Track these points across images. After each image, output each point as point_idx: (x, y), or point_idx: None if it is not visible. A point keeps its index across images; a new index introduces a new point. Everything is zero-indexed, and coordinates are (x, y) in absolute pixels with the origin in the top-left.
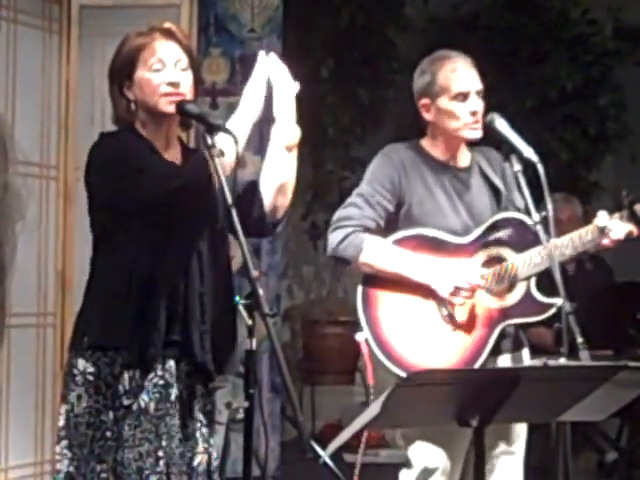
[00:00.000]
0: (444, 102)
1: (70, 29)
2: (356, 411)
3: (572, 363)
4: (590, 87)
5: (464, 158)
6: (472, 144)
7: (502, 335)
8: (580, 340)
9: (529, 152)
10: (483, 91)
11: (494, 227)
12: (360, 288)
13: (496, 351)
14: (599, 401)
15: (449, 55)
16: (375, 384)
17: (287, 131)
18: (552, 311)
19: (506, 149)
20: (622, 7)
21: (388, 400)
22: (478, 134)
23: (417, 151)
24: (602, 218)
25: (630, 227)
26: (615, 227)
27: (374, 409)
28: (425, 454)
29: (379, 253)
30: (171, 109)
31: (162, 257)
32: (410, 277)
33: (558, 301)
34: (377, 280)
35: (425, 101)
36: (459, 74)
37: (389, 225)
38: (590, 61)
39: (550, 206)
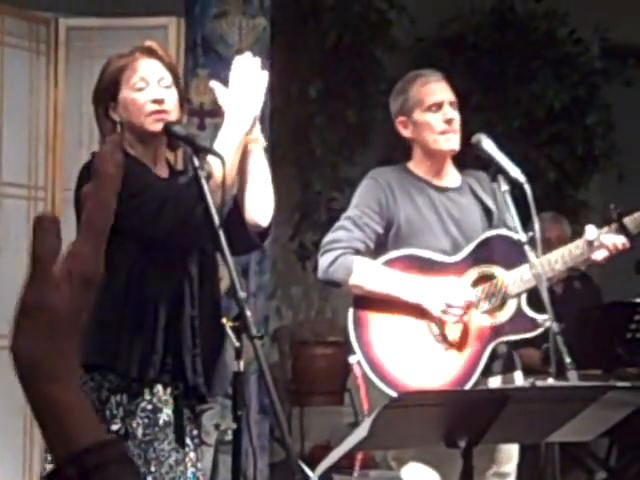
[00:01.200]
0: (418, 115)
1: (57, 50)
2: (345, 432)
3: (560, 383)
4: (577, 106)
5: (454, 179)
6: (462, 167)
7: (494, 356)
8: (568, 360)
9: (516, 172)
10: (457, 103)
11: (484, 245)
12: (351, 310)
13: (487, 372)
14: (588, 421)
15: (420, 72)
16: (369, 407)
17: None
18: (544, 327)
19: (493, 169)
20: (609, 26)
21: (376, 422)
22: (454, 145)
23: (404, 173)
24: (591, 232)
25: (621, 239)
26: (606, 240)
27: (362, 431)
28: (418, 474)
29: (369, 274)
30: (158, 127)
31: (155, 278)
32: (401, 297)
33: (550, 317)
34: (368, 302)
35: (402, 118)
36: (431, 87)
37: (379, 247)
38: (577, 80)
39: (537, 226)
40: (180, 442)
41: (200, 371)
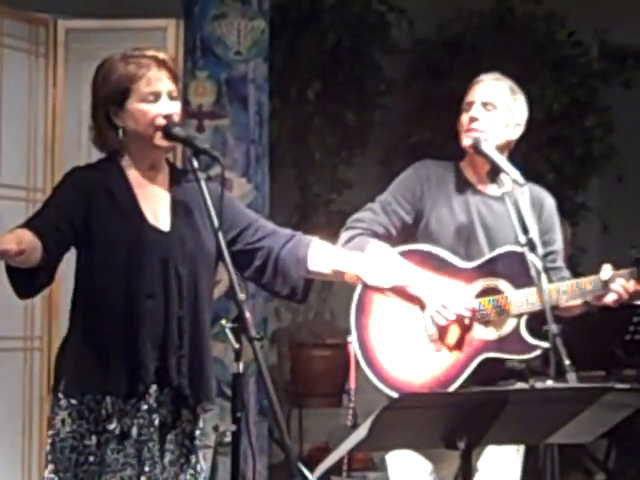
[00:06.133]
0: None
1: (56, 52)
2: (344, 433)
3: (559, 385)
4: (576, 108)
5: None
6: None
7: (510, 372)
8: (567, 362)
9: (515, 174)
10: (497, 105)
11: (499, 258)
12: (358, 289)
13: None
14: (587, 423)
15: (480, 75)
16: (355, 389)
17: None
18: (536, 353)
19: (492, 171)
20: (608, 28)
21: (375, 423)
22: (466, 142)
23: (450, 170)
24: (606, 272)
25: (635, 287)
26: (618, 287)
27: (361, 432)
28: (404, 459)
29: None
30: (165, 143)
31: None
32: (405, 286)
33: (544, 344)
34: None
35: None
36: (473, 87)
37: (409, 237)
38: (576, 82)
39: (536, 228)
40: (173, 443)
41: (185, 372)
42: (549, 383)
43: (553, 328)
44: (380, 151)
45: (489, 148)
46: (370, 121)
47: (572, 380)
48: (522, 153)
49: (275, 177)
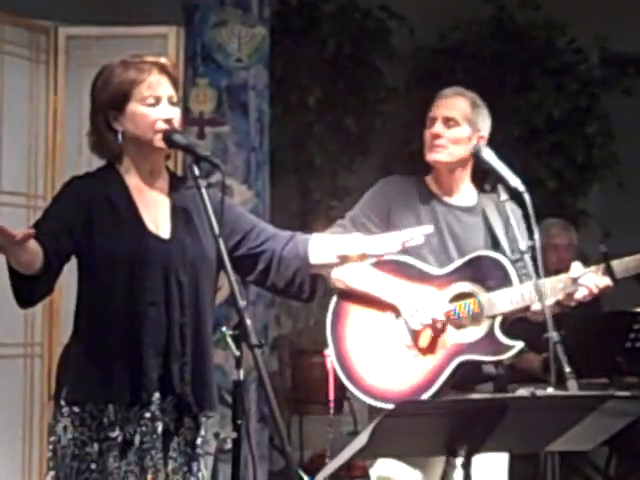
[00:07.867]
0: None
1: (57, 59)
2: (344, 441)
3: (559, 393)
4: (577, 115)
5: (466, 198)
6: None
7: (485, 377)
8: (568, 369)
9: (516, 181)
10: (460, 120)
11: (471, 263)
12: (334, 300)
13: (472, 391)
14: (587, 430)
15: (443, 90)
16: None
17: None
18: (511, 353)
19: (493, 179)
20: (608, 36)
21: (376, 431)
22: (434, 157)
23: (417, 185)
24: (576, 269)
25: (605, 280)
26: (588, 281)
27: (362, 440)
28: (390, 468)
29: (351, 270)
30: (164, 145)
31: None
32: (378, 296)
33: (519, 344)
34: (350, 297)
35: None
36: (435, 103)
37: None
38: (577, 89)
39: (537, 235)
40: (176, 450)
41: (188, 380)
42: (550, 390)
43: (554, 336)
44: (380, 158)
45: (490, 156)
46: (370, 128)
47: (573, 387)
48: (523, 161)
49: (276, 184)
